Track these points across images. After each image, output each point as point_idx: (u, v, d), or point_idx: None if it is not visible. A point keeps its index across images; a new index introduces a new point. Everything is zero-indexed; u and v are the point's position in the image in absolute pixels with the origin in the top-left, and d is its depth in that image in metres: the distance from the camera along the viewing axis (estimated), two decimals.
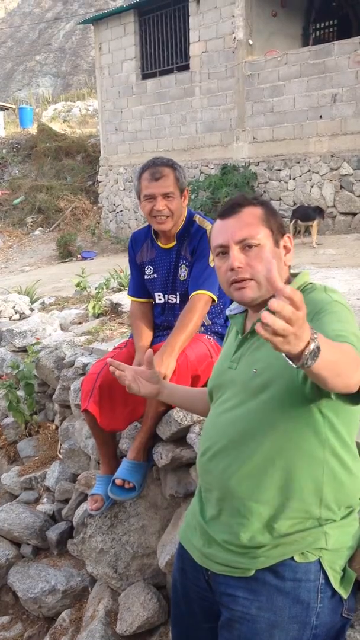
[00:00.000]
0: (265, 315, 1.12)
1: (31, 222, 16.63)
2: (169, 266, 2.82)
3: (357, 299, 4.86)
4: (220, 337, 2.82)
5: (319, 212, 9.88)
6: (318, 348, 1.21)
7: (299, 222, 10.07)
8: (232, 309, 1.76)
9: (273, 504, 1.53)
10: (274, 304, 1.12)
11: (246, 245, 1.59)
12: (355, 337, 1.40)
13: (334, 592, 1.54)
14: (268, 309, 1.12)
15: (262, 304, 1.63)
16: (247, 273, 1.59)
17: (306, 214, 9.91)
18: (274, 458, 1.52)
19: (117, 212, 15.82)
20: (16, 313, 5.85)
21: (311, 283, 1.64)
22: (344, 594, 1.55)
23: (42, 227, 16.48)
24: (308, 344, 1.19)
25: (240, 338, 1.70)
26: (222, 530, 1.61)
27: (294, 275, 1.69)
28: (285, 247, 1.66)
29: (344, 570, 1.57)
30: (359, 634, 1.57)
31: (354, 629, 1.58)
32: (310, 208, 10.10)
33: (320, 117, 10.79)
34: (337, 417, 1.51)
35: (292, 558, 1.52)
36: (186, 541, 1.76)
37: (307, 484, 1.51)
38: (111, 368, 1.85)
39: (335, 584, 1.54)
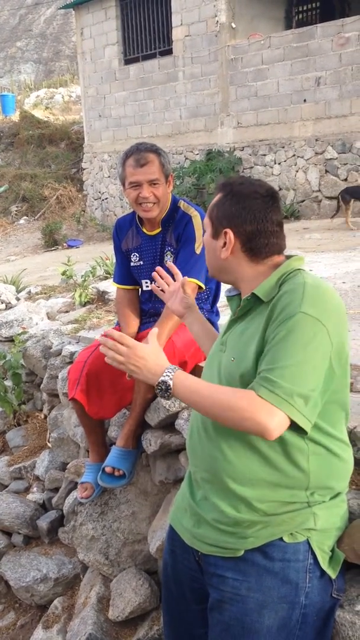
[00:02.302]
0: (99, 338, 1.55)
1: (16, 211, 16.48)
2: (154, 253, 2.80)
3: (343, 282, 4.88)
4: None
5: None
6: (165, 384, 1.49)
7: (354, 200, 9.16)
8: (229, 289, 1.76)
9: (259, 487, 1.54)
10: (101, 337, 1.54)
11: None
12: (282, 378, 1.41)
13: (323, 572, 1.55)
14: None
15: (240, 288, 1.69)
16: None
17: None
18: (256, 445, 1.53)
19: (103, 200, 15.72)
20: (2, 303, 5.81)
21: (298, 269, 1.60)
22: (332, 574, 1.57)
23: (27, 216, 16.34)
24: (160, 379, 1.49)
25: (229, 321, 1.71)
26: (212, 509, 1.62)
27: (288, 257, 1.66)
28: (224, 242, 1.64)
29: (332, 550, 1.59)
30: (348, 614, 1.59)
31: (343, 609, 1.60)
32: None
33: (305, 100, 10.76)
34: None
35: (280, 539, 1.54)
36: (176, 523, 1.78)
37: (291, 471, 1.52)
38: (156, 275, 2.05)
39: (324, 564, 1.55)
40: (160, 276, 2.11)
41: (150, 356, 1.51)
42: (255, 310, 1.60)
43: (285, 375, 1.41)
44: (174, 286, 2.07)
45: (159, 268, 2.11)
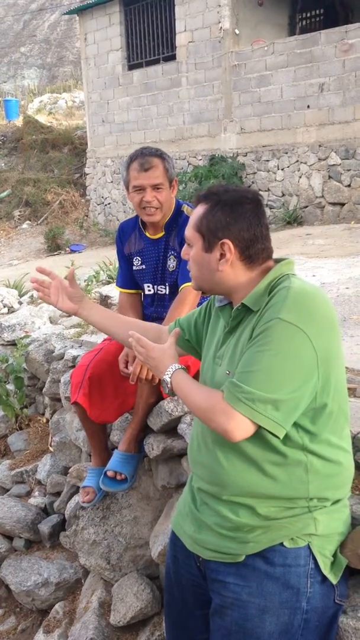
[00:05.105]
0: (130, 332, 1.74)
1: (18, 215, 16.52)
2: (157, 257, 2.80)
3: (346, 288, 4.89)
4: None
5: None
6: (166, 382, 1.64)
7: None
8: (219, 299, 1.74)
9: (259, 497, 1.54)
10: (130, 339, 1.73)
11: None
12: (247, 382, 1.43)
13: (324, 577, 1.55)
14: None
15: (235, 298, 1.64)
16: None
17: None
18: (253, 457, 1.52)
19: (105, 205, 15.75)
20: (4, 307, 5.82)
21: (287, 274, 1.57)
22: (334, 579, 1.56)
23: (30, 221, 16.38)
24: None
25: (224, 333, 1.68)
26: (212, 514, 1.62)
27: (278, 261, 1.63)
28: (221, 254, 1.58)
29: (334, 556, 1.58)
30: (351, 620, 1.58)
31: (346, 615, 1.59)
32: None
33: (308, 106, 10.77)
34: (314, 424, 1.51)
35: (281, 544, 1.53)
36: (178, 528, 1.77)
37: (290, 483, 1.52)
38: (36, 275, 1.99)
39: (325, 570, 1.55)
40: (41, 278, 2.04)
41: (160, 356, 1.68)
42: (247, 320, 1.57)
43: (251, 379, 1.43)
44: (54, 286, 2.02)
45: (38, 267, 2.07)
